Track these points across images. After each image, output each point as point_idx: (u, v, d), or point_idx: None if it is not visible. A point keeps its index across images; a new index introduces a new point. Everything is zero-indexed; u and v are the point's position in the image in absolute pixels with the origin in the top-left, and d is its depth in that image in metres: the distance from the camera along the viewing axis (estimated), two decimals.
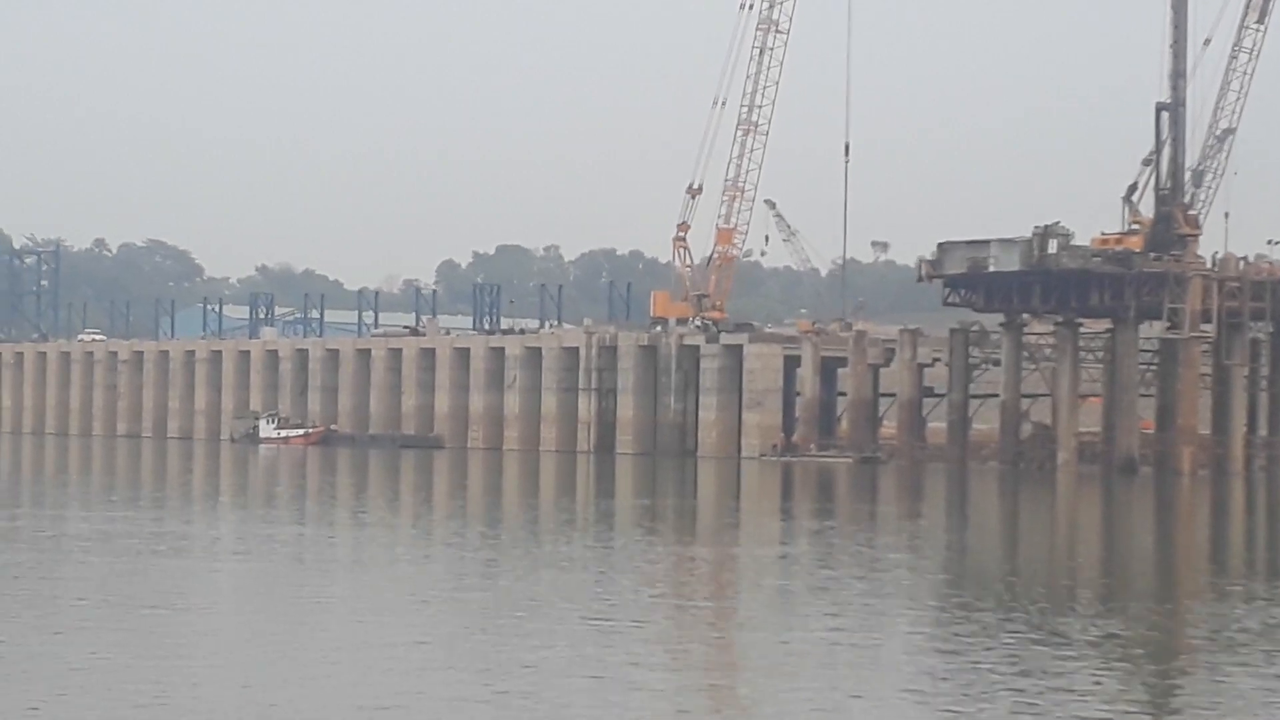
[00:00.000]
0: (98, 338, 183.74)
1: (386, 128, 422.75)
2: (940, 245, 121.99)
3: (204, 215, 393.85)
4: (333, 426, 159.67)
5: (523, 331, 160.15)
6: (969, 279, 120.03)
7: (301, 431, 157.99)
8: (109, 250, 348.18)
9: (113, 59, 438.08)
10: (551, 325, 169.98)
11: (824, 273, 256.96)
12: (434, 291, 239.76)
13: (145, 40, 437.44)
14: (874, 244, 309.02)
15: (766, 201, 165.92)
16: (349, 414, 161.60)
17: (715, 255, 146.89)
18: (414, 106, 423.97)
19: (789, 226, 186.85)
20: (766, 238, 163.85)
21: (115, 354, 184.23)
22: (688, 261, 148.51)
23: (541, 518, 71.18)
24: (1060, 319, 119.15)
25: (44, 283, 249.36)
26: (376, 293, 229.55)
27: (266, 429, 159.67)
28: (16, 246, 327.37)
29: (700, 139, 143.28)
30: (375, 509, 76.39)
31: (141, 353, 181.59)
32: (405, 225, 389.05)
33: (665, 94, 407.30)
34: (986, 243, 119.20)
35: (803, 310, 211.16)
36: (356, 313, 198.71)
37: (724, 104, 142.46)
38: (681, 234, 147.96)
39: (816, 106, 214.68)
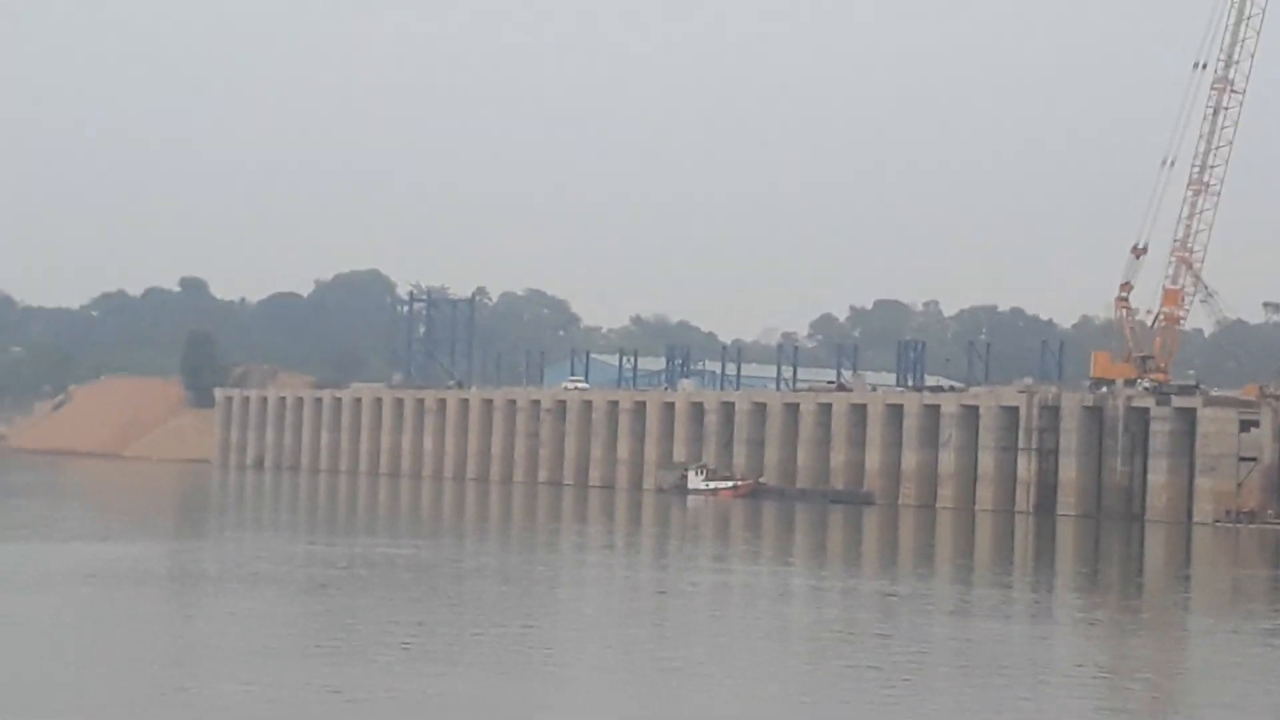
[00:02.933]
0: (581, 385, 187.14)
1: (761, 178, 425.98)
2: None
3: (582, 266, 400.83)
4: (760, 479, 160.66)
5: (952, 389, 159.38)
6: None
7: (730, 484, 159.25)
8: (489, 299, 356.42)
9: (493, 118, 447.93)
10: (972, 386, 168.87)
11: (1206, 334, 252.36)
12: (796, 347, 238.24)
13: (531, 98, 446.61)
14: (1266, 305, 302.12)
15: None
16: (774, 467, 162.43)
17: (1161, 316, 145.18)
18: (793, 155, 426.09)
19: (1206, 287, 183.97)
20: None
21: (538, 402, 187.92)
22: (1131, 322, 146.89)
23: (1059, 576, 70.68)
24: None
25: (422, 329, 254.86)
26: (740, 347, 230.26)
27: (694, 480, 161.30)
28: (401, 294, 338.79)
29: (1148, 198, 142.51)
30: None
31: (564, 402, 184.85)
32: (781, 278, 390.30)
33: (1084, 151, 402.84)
34: None
35: (1190, 371, 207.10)
36: (720, 364, 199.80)
37: (1173, 163, 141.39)
38: (1124, 294, 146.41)
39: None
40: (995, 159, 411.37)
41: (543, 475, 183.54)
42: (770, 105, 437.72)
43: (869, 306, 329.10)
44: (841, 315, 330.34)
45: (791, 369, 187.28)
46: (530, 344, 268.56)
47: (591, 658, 38.98)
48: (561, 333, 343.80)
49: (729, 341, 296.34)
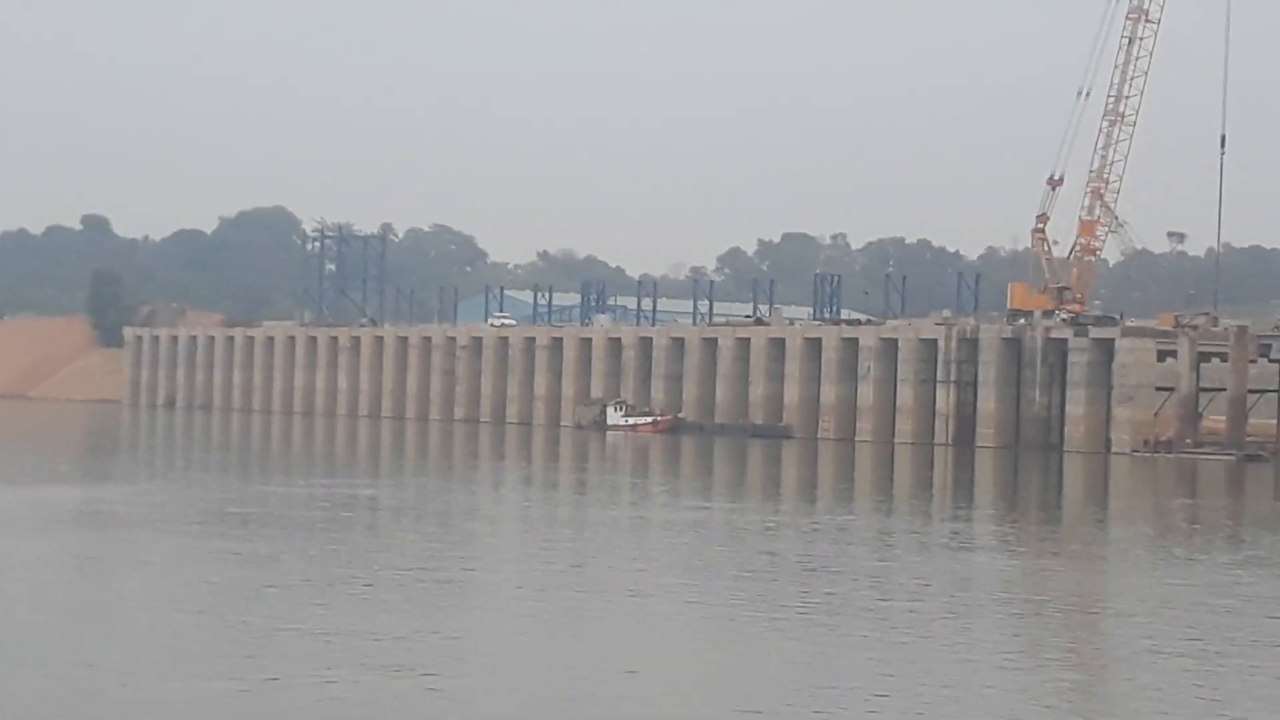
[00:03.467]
0: (509, 322, 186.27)
1: (665, 111, 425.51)
2: None
3: (487, 200, 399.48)
4: (679, 415, 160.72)
5: (869, 322, 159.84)
6: None
7: (649, 419, 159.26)
8: (395, 235, 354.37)
9: (392, 47, 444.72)
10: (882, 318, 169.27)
11: (1111, 263, 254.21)
12: (711, 282, 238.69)
13: (435, 28, 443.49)
14: (1170, 234, 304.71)
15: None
16: (693, 403, 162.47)
17: (1077, 247, 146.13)
18: (697, 86, 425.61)
19: (1116, 217, 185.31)
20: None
21: (454, 339, 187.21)
22: (1048, 253, 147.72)
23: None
24: None
25: (331, 266, 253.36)
26: (651, 282, 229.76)
27: (614, 416, 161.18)
28: (307, 230, 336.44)
29: (1063, 129, 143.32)
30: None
31: (480, 339, 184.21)
32: (689, 211, 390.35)
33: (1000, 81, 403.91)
34: None
35: (1097, 301, 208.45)
36: (637, 300, 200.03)
37: (1089, 94, 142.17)
38: (1041, 225, 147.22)
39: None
40: (902, 92, 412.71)
41: (459, 413, 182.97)
42: (675, 35, 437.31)
43: (777, 240, 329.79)
44: (749, 249, 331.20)
45: (708, 303, 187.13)
46: (438, 280, 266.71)
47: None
48: (469, 269, 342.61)
49: (638, 276, 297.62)
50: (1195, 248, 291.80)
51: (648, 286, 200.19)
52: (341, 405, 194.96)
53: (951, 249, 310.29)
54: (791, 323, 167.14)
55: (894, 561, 50.28)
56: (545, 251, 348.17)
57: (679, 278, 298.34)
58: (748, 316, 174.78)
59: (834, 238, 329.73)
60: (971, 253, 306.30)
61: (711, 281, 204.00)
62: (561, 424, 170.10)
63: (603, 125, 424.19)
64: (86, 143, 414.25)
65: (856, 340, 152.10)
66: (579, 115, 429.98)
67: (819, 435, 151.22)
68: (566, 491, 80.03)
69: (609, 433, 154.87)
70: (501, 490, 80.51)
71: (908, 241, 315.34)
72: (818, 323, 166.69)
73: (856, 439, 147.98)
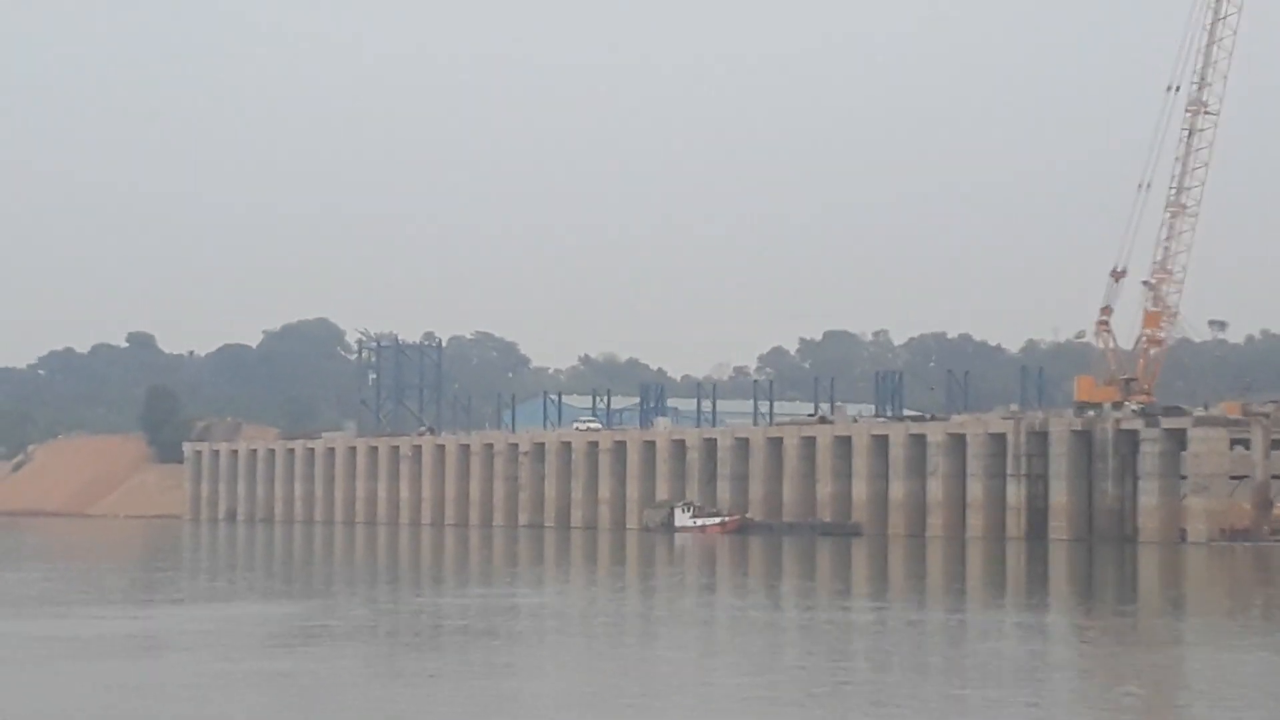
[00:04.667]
0: (594, 426, 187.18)
1: (702, 213, 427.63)
2: None
3: (528, 306, 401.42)
4: (747, 514, 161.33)
5: (934, 418, 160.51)
6: None
7: (718, 520, 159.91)
8: (439, 343, 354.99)
9: (424, 157, 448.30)
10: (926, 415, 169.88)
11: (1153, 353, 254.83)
12: (771, 382, 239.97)
13: (469, 139, 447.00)
14: (1211, 323, 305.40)
15: (1144, 283, 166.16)
16: (759, 502, 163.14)
17: (1143, 339, 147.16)
18: (735, 189, 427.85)
19: (1169, 307, 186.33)
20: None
21: (515, 446, 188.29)
22: (1112, 345, 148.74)
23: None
24: None
25: (373, 376, 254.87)
26: (713, 384, 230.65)
27: (682, 518, 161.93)
28: (350, 341, 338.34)
29: (1126, 223, 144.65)
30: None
31: (542, 444, 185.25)
32: (729, 312, 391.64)
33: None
34: None
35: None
36: (696, 401, 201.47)
37: (1149, 186, 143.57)
38: (1105, 318, 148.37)
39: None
40: (934, 188, 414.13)
41: (523, 518, 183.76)
42: (712, 140, 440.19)
43: (819, 338, 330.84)
44: (792, 348, 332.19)
45: (768, 403, 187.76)
46: (481, 387, 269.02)
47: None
48: (511, 374, 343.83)
49: (679, 378, 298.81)
50: (1234, 334, 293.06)
51: (706, 389, 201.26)
52: (404, 514, 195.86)
53: (993, 343, 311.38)
54: (855, 420, 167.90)
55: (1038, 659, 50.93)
56: (587, 355, 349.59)
57: (722, 379, 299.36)
58: (810, 415, 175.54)
59: (876, 334, 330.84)
60: (1012, 345, 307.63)
61: (770, 381, 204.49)
62: (627, 526, 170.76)
63: (641, 230, 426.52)
64: (129, 261, 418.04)
65: (924, 436, 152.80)
66: (616, 220, 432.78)
67: (889, 531, 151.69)
68: (725, 595, 79.52)
69: (677, 534, 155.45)
70: (655, 593, 79.37)
71: (949, 336, 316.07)
72: (882, 419, 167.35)
73: (926, 535, 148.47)
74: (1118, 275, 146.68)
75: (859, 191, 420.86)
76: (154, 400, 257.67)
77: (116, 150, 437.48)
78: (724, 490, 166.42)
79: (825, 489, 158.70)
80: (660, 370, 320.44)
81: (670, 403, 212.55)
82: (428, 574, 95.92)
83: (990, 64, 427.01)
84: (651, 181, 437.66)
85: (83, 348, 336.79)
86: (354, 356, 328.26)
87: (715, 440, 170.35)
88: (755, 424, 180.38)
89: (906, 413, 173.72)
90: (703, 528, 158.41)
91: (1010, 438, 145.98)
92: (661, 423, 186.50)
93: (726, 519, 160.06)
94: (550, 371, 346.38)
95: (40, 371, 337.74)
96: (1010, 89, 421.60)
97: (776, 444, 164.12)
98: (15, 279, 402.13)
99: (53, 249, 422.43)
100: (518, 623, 61.13)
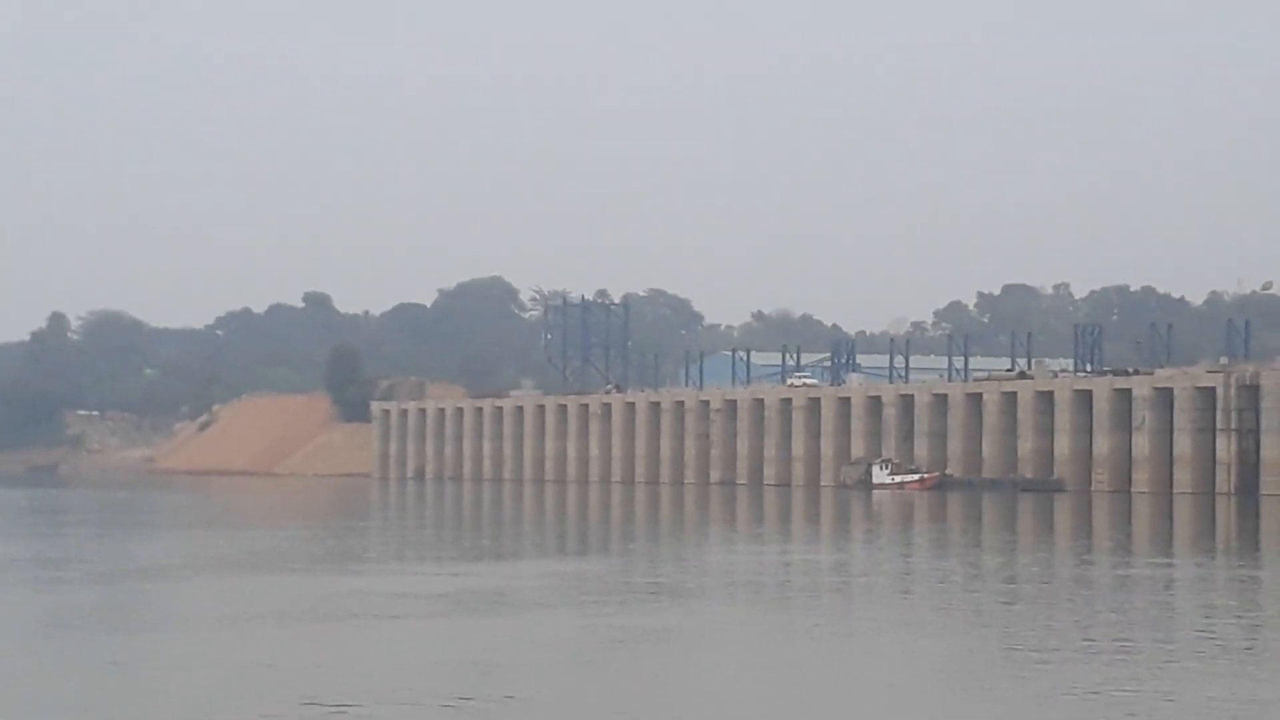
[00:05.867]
0: (810, 382, 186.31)
1: (876, 168, 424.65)
2: None
3: (700, 262, 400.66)
4: (946, 471, 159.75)
5: (1138, 372, 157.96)
6: None
7: (916, 477, 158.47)
8: (612, 300, 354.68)
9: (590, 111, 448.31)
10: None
11: None
12: (965, 337, 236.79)
13: (624, 98, 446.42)
14: None
15: None
16: (958, 459, 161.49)
17: None
18: (910, 143, 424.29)
19: None
20: None
21: (706, 403, 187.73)
22: None
23: None
24: None
25: (547, 336, 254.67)
26: (908, 340, 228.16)
27: (879, 475, 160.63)
28: (525, 299, 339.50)
29: None
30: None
31: (734, 401, 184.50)
32: (903, 266, 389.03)
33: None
34: None
35: None
36: (889, 357, 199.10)
37: None
38: None
39: None
40: (1123, 135, 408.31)
41: (714, 475, 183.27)
42: (890, 92, 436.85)
43: (997, 292, 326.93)
44: (970, 302, 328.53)
45: (963, 359, 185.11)
46: (655, 345, 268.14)
47: None
48: (684, 331, 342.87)
49: (853, 333, 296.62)
50: None
51: (899, 345, 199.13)
52: (594, 472, 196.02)
53: (1176, 295, 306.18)
54: (1055, 374, 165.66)
55: None
56: (760, 312, 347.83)
57: (899, 334, 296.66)
58: (1008, 370, 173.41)
59: (1056, 287, 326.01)
60: (1196, 298, 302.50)
61: (965, 337, 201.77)
62: (821, 484, 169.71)
63: (817, 183, 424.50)
64: (304, 221, 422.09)
65: (1129, 391, 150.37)
66: (792, 174, 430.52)
67: (1093, 487, 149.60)
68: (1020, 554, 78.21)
69: (874, 491, 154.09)
70: (947, 551, 77.70)
71: (1132, 289, 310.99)
72: (1083, 374, 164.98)
73: (1133, 490, 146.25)
74: None
75: (1036, 141, 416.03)
76: (338, 359, 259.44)
77: (279, 110, 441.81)
78: (920, 447, 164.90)
79: (1026, 445, 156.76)
80: (835, 326, 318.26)
81: (866, 358, 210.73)
82: (675, 531, 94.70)
83: (1169, 8, 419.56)
84: (832, 136, 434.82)
85: (259, 308, 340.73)
86: (529, 315, 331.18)
87: (912, 396, 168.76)
88: (951, 379, 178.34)
89: (1104, 368, 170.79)
90: (901, 485, 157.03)
91: (1220, 391, 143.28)
92: (854, 379, 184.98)
93: (924, 475, 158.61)
94: (723, 328, 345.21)
95: (218, 332, 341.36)
96: (1197, 35, 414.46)
97: (975, 400, 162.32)
98: (190, 240, 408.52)
99: (226, 209, 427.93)
100: (840, 578, 59.75)
